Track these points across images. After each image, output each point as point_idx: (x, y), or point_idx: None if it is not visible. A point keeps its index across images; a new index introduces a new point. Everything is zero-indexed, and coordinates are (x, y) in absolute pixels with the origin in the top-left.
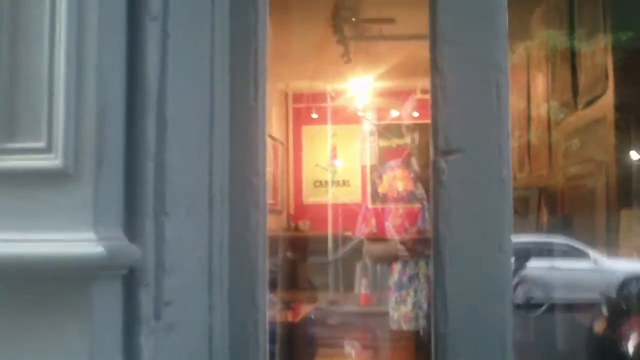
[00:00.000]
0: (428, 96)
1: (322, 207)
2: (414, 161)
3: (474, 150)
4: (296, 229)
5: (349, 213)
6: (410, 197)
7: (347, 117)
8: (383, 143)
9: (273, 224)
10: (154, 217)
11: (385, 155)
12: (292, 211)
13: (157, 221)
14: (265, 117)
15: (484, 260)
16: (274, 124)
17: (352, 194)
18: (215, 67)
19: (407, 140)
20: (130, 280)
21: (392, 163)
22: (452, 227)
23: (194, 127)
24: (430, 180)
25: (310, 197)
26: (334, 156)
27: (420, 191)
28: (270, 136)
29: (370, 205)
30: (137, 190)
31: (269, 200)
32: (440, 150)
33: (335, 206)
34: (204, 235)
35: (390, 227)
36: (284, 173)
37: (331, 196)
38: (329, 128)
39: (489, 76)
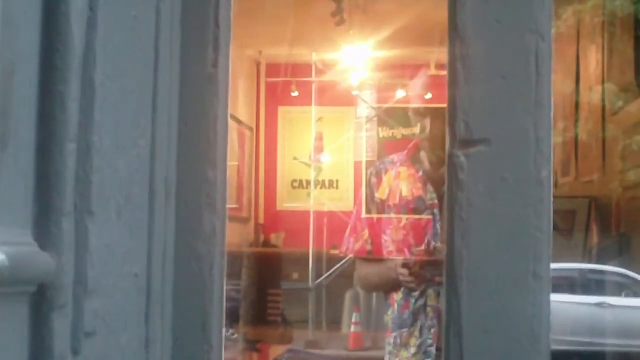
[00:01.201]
0: (444, 72)
1: (302, 216)
2: (424, 156)
3: (503, 141)
4: (266, 243)
5: (336, 224)
6: (417, 204)
7: (337, 97)
8: (384, 132)
9: (236, 236)
10: (74, 216)
11: (386, 148)
12: (261, 220)
13: (79, 222)
14: (228, 90)
15: (513, 291)
16: (240, 103)
17: (341, 199)
18: (162, 20)
19: (416, 129)
20: (40, 300)
21: (395, 158)
22: (472, 245)
23: (132, 99)
24: (445, 181)
25: (287, 202)
26: (319, 148)
27: (430, 196)
28: (235, 118)
29: (364, 214)
30: (53, 181)
31: (231, 204)
32: (459, 141)
33: (319, 214)
34: (141, 243)
35: (390, 244)
36: (252, 169)
37: (314, 201)
38: (314, 110)
39: (526, 45)
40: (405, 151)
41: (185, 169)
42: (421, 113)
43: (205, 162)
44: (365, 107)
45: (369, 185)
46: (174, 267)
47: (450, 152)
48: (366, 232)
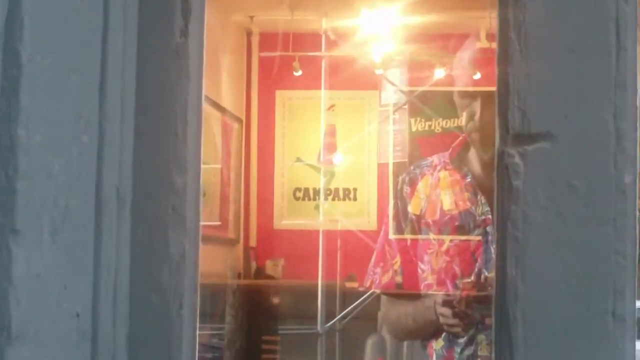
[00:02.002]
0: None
1: (308, 237)
2: (473, 156)
3: (572, 136)
4: (260, 273)
5: (354, 248)
6: (464, 221)
7: (354, 78)
8: (418, 125)
9: (218, 264)
10: None
11: (421, 147)
12: (253, 242)
13: None
14: (202, 67)
15: (586, 337)
16: (225, 86)
17: (361, 214)
18: None
19: (461, 119)
20: None
21: (434, 160)
22: (529, 275)
23: (73, 80)
24: (495, 187)
25: (287, 218)
26: (330, 146)
27: (482, 210)
28: (216, 105)
29: (393, 235)
30: None
31: (211, 220)
32: (513, 136)
33: (331, 235)
34: (84, 272)
35: (428, 275)
36: (240, 174)
37: (324, 217)
38: (323, 96)
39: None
40: (449, 150)
41: (145, 174)
42: (469, 98)
43: (172, 165)
44: (393, 91)
45: (399, 196)
46: (129, 305)
47: (500, 150)
48: (397, 260)
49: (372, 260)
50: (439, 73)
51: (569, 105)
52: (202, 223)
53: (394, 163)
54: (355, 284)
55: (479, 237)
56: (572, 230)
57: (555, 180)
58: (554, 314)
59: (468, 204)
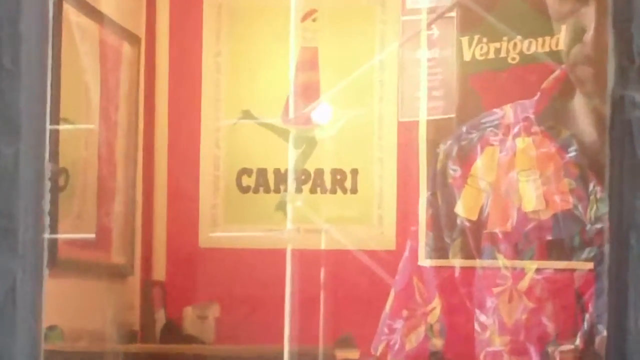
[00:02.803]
0: None
1: (265, 262)
2: (582, 111)
3: None
4: (173, 331)
5: (353, 283)
6: (564, 233)
7: None
8: (476, 51)
9: (90, 312)
10: None
11: (482, 91)
12: (160, 273)
13: None
14: None
15: None
16: None
17: (365, 219)
18: None
19: (559, 39)
20: None
21: (509, 115)
22: None
23: None
24: (608, 164)
25: (225, 227)
26: (308, 90)
27: (597, 211)
28: (82, 5)
29: (426, 261)
30: None
31: (78, 231)
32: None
33: (309, 258)
34: None
35: (494, 334)
36: (133, 141)
37: (295, 224)
38: None
39: None
40: (535, 98)
41: None
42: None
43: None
44: None
45: (439, 183)
46: None
47: (616, 95)
48: (436, 306)
49: (388, 306)
50: None
51: None
52: (57, 236)
53: (429, 121)
54: (353, 354)
55: (591, 265)
56: None
57: None
58: None
59: (570, 200)
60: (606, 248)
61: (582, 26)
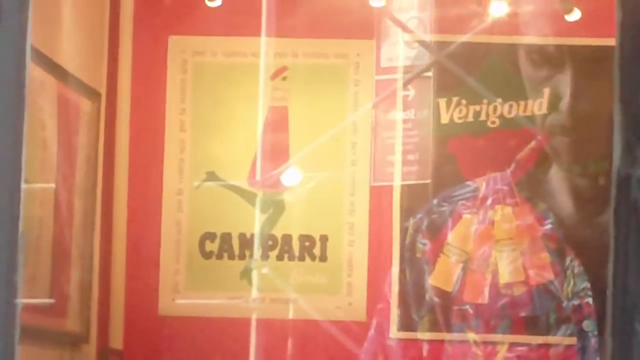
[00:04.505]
0: None
1: (229, 332)
2: (559, 181)
3: None
4: None
5: (323, 355)
6: (540, 308)
7: (327, 16)
8: (454, 113)
9: None
10: None
11: (460, 156)
12: (117, 341)
13: None
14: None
15: None
16: (65, 26)
17: (335, 289)
18: None
19: (537, 103)
20: None
21: (486, 185)
22: None
23: None
24: (612, 243)
25: (186, 294)
26: (276, 151)
27: (574, 287)
28: (41, 59)
29: (397, 333)
30: None
31: (33, 296)
32: None
33: (276, 329)
34: None
35: None
36: (92, 201)
37: (261, 293)
38: (264, 47)
39: None
40: (511, 168)
41: None
42: (551, 64)
43: None
44: (406, 41)
45: (410, 254)
46: None
47: (621, 173)
48: None
49: None
50: (497, 9)
51: None
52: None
53: (404, 187)
54: None
55: (569, 341)
56: None
57: None
58: None
59: (548, 271)
60: (586, 325)
61: (560, 91)
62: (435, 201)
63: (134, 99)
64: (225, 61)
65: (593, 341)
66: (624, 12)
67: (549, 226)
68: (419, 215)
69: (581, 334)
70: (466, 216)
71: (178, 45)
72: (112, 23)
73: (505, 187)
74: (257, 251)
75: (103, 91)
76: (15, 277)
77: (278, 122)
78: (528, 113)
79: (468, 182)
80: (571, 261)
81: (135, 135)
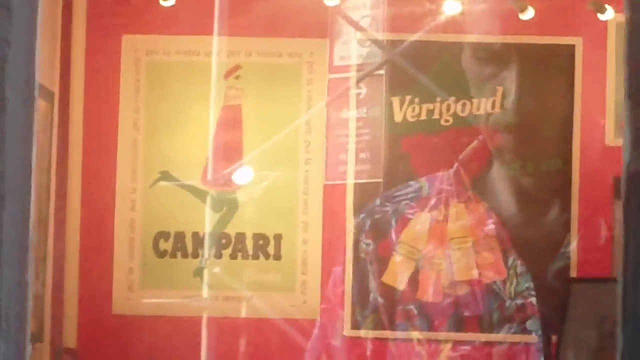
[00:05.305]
0: None
1: (182, 330)
2: (501, 181)
3: None
4: None
5: (276, 353)
6: (487, 305)
7: (281, 14)
8: (407, 112)
9: None
10: None
11: (412, 155)
12: (71, 340)
13: None
14: None
15: None
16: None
17: (288, 288)
18: None
19: (489, 101)
20: None
21: (440, 183)
22: None
23: None
24: (623, 246)
25: (140, 293)
26: (229, 150)
27: (517, 286)
28: None
29: (350, 331)
30: None
31: None
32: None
33: (228, 328)
34: None
35: None
36: (45, 200)
37: (214, 291)
38: (216, 45)
39: None
40: (453, 168)
41: None
42: (496, 62)
43: None
44: (358, 39)
45: (356, 255)
46: None
47: (630, 169)
48: None
49: None
50: (450, 7)
51: None
52: None
53: (356, 186)
54: None
55: (513, 339)
56: None
57: None
58: None
59: (500, 269)
60: (529, 324)
61: (508, 92)
62: (378, 201)
63: (88, 98)
64: (179, 60)
65: (537, 340)
66: (632, 11)
67: (491, 226)
68: (362, 216)
69: (525, 333)
70: (419, 214)
71: (131, 45)
72: (65, 22)
73: (448, 187)
74: (209, 250)
75: (56, 90)
76: (26, 276)
77: (232, 121)
78: (481, 111)
79: (411, 182)
80: (514, 260)
81: (88, 135)
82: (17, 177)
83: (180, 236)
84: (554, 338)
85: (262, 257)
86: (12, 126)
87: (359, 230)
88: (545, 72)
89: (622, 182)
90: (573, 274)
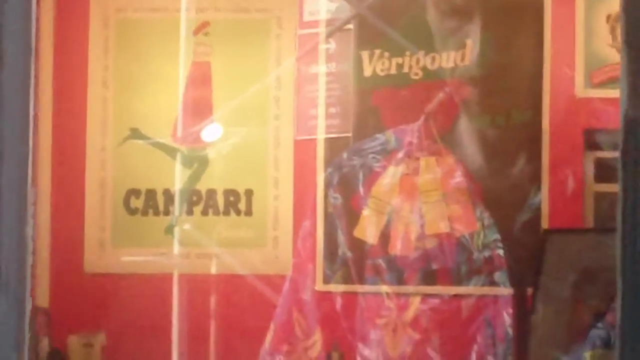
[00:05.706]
0: None
1: (154, 288)
2: (467, 134)
3: None
4: (58, 359)
5: (249, 311)
6: (459, 258)
7: None
8: (376, 65)
9: None
10: None
11: (381, 109)
12: (44, 299)
13: None
14: None
15: None
16: None
17: (260, 242)
18: None
19: (458, 54)
20: None
21: (403, 135)
22: None
23: None
24: (620, 199)
25: (112, 252)
26: (199, 107)
27: (484, 238)
28: None
29: (321, 286)
30: None
31: None
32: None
33: (200, 285)
34: None
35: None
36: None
37: (185, 248)
38: (185, 2)
39: None
40: (420, 121)
41: None
42: (475, 13)
43: None
44: None
45: (325, 209)
46: None
47: (628, 116)
48: (316, 339)
49: (267, 342)
50: None
51: None
52: None
53: (326, 141)
54: None
55: (481, 292)
56: None
57: None
58: None
59: (460, 225)
60: (497, 276)
61: (475, 44)
62: (345, 155)
63: (56, 56)
64: (148, 17)
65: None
66: None
67: (461, 178)
68: (329, 170)
69: (493, 285)
70: (388, 168)
71: (100, 2)
72: None
73: (415, 140)
74: (180, 207)
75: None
76: (26, 230)
77: (201, 78)
78: (450, 64)
79: (377, 135)
80: (481, 213)
81: (57, 93)
82: (16, 128)
83: (151, 193)
84: (529, 290)
85: (233, 214)
86: (10, 79)
87: (327, 184)
88: (514, 23)
89: (620, 130)
90: (544, 225)
